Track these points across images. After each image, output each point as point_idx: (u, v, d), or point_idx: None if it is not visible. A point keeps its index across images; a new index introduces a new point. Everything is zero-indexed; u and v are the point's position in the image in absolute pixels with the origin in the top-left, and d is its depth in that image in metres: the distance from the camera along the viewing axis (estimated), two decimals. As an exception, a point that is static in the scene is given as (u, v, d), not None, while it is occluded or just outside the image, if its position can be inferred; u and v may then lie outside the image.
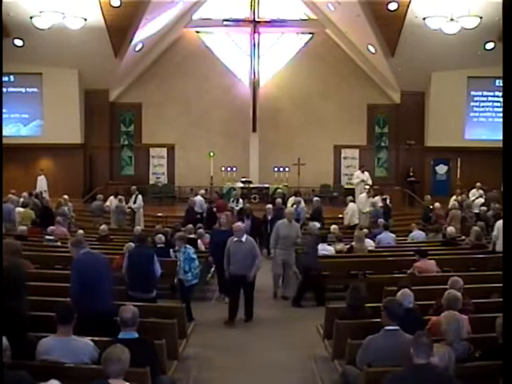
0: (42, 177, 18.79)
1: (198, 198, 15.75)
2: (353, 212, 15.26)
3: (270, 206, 14.62)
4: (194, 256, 8.84)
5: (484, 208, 14.44)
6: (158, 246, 9.64)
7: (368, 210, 15.33)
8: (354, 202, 15.72)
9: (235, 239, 8.73)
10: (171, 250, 9.58)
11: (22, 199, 14.69)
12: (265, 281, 10.64)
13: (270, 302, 10.19)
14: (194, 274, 8.76)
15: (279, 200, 15.00)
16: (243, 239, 8.70)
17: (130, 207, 15.79)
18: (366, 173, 18.09)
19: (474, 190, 16.64)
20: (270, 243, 10.53)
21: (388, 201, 15.74)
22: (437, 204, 14.86)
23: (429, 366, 4.20)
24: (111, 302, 6.22)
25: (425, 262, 8.81)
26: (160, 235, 10.15)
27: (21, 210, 13.90)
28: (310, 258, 9.94)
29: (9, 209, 13.71)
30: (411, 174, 20.95)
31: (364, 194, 16.09)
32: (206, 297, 10.28)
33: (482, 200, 15.68)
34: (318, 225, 11.44)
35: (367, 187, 17.16)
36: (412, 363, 4.23)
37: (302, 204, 15.50)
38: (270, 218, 13.99)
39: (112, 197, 16.03)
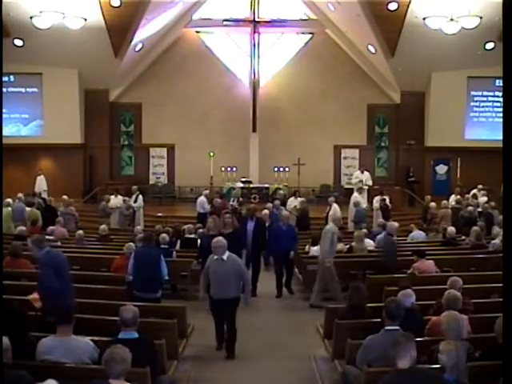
0: (42, 177, 18.76)
1: (202, 199, 15.66)
2: (337, 213, 14.71)
3: (266, 211, 13.41)
4: None
5: (468, 209, 14.48)
6: (162, 246, 9.63)
7: (376, 206, 15.47)
8: (336, 202, 15.26)
9: (215, 257, 7.33)
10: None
11: (17, 200, 14.69)
12: (263, 283, 10.70)
13: (270, 302, 10.19)
14: None
15: (270, 204, 14.28)
16: (224, 257, 7.27)
17: (129, 205, 15.80)
18: (366, 173, 17.85)
19: (475, 191, 16.53)
20: (325, 251, 9.72)
21: (388, 201, 15.73)
22: (432, 204, 14.94)
23: (413, 368, 4.22)
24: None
25: (423, 263, 8.82)
26: (164, 235, 10.15)
27: (27, 209, 13.94)
28: (389, 257, 9.72)
29: (21, 208, 13.80)
30: (411, 174, 20.96)
31: (356, 193, 16.01)
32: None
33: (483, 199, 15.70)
34: (396, 224, 11.28)
35: (365, 187, 17.03)
36: (395, 368, 4.24)
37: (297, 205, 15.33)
38: (267, 224, 12.45)
39: (112, 196, 16.01)
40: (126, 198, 15.79)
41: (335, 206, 14.90)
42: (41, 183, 18.54)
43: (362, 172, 17.77)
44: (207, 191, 16.89)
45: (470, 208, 14.29)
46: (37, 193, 16.99)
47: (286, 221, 11.25)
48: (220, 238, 7.56)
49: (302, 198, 15.66)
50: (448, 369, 4.32)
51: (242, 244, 9.52)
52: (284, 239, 10.65)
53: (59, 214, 14.16)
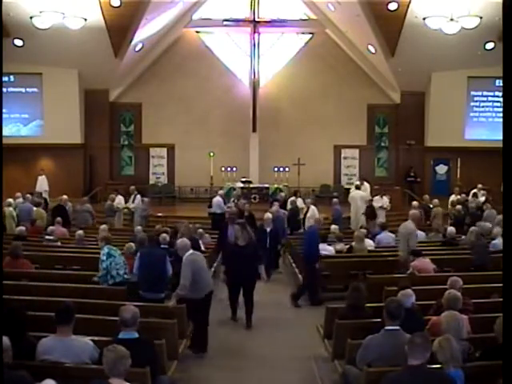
0: (43, 177, 18.76)
1: (217, 199, 15.58)
2: (315, 214, 14.31)
3: (269, 215, 12.41)
4: (104, 258, 8.07)
5: (457, 207, 14.59)
6: (162, 246, 9.62)
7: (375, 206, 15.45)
8: (314, 204, 14.90)
9: None
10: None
11: (19, 199, 14.78)
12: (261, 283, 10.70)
13: (269, 302, 10.18)
14: (98, 276, 8.08)
15: (275, 208, 13.52)
16: (183, 259, 7.38)
17: (127, 207, 15.85)
18: (366, 184, 17.21)
19: (475, 190, 16.54)
20: (404, 249, 9.40)
21: (388, 201, 15.77)
22: (414, 203, 15.02)
23: (424, 366, 4.23)
24: None
25: (420, 261, 8.86)
26: (164, 235, 10.13)
27: (33, 208, 14.05)
28: (482, 258, 9.60)
29: (28, 208, 13.92)
30: (412, 174, 20.96)
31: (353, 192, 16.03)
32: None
33: (482, 199, 15.73)
34: (489, 225, 11.15)
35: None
36: (407, 364, 4.26)
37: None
38: (269, 229, 11.81)
39: (119, 196, 16.07)
40: (145, 199, 15.84)
41: (313, 207, 14.55)
42: (42, 183, 18.54)
43: (362, 184, 16.99)
44: (222, 191, 16.91)
45: (458, 207, 14.46)
46: (38, 192, 17.01)
47: (319, 224, 10.77)
48: (183, 239, 7.75)
49: (293, 198, 15.60)
50: (446, 364, 4.34)
51: (256, 258, 8.62)
52: (314, 245, 10.06)
53: (69, 212, 14.29)
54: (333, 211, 14.97)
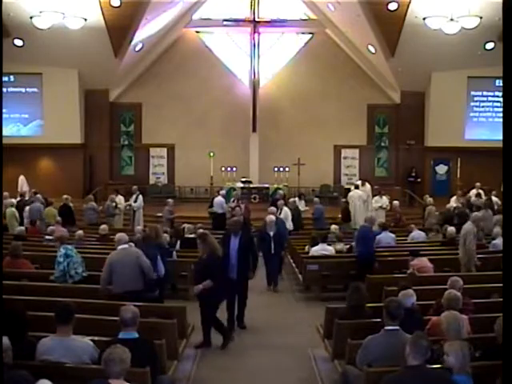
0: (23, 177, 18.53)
1: (219, 199, 15.51)
2: (288, 216, 13.79)
3: (272, 217, 11.26)
4: (61, 259, 7.98)
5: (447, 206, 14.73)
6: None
7: (375, 206, 15.57)
8: (286, 205, 14.16)
9: None
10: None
11: (17, 199, 14.80)
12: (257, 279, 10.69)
13: (270, 302, 10.19)
14: (55, 275, 8.02)
15: (273, 208, 12.53)
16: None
17: (129, 204, 15.85)
18: (368, 185, 17.13)
19: (473, 190, 16.57)
20: (472, 251, 9.13)
21: (387, 202, 15.79)
22: (395, 202, 15.01)
23: (423, 366, 4.23)
24: None
25: (419, 260, 8.89)
26: (165, 235, 10.13)
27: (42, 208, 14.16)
28: None
29: (37, 207, 14.03)
30: (413, 174, 20.97)
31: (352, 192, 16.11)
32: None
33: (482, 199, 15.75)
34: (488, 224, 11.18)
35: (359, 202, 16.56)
36: (406, 364, 4.25)
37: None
38: (272, 233, 10.92)
39: (120, 195, 16.06)
40: (170, 201, 15.81)
41: (285, 209, 13.87)
42: (23, 183, 18.29)
43: (363, 184, 16.93)
44: (224, 191, 16.89)
45: (449, 205, 14.55)
46: (32, 192, 16.94)
47: (372, 223, 10.49)
48: (121, 233, 8.00)
49: (295, 198, 15.59)
50: (456, 369, 4.31)
51: (214, 273, 7.37)
52: (371, 245, 9.88)
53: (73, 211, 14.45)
54: (314, 210, 14.94)
